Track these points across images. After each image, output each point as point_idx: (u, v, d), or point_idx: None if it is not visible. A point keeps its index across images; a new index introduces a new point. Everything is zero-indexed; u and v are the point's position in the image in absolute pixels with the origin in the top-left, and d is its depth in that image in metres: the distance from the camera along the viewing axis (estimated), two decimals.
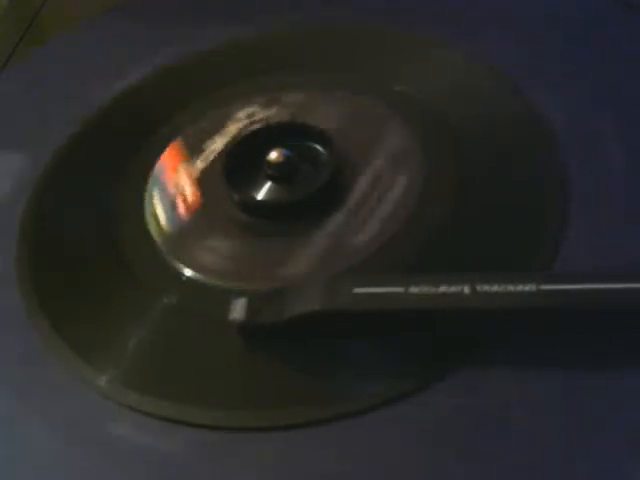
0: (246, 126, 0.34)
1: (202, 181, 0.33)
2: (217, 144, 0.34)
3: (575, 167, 0.30)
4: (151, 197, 0.33)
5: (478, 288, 0.24)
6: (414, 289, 0.25)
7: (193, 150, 0.34)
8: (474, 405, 0.25)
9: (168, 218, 0.32)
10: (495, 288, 0.24)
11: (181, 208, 0.32)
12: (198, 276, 0.29)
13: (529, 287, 0.24)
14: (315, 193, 0.30)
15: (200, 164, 0.33)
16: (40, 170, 0.35)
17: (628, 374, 0.24)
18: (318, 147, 0.32)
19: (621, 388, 0.24)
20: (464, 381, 0.25)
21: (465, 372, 0.25)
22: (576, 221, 0.28)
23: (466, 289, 0.25)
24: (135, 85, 0.38)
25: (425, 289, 0.25)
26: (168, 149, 0.34)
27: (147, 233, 0.31)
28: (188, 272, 0.30)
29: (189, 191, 0.32)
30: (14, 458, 0.26)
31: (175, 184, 0.33)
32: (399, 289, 0.25)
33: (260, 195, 0.31)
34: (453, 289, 0.25)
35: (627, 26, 0.35)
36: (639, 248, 0.27)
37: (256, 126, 0.34)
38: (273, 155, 0.31)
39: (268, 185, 0.31)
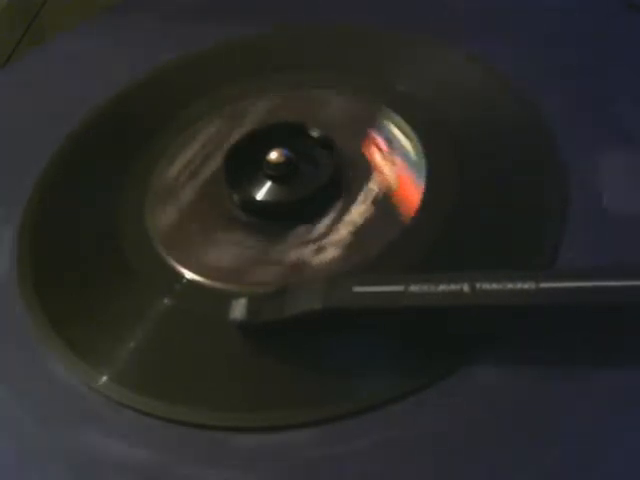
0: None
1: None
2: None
3: (575, 167, 0.30)
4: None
5: (477, 286, 0.24)
6: (414, 288, 0.25)
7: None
8: (474, 405, 0.25)
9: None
10: (494, 286, 0.24)
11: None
12: (198, 277, 0.29)
13: (528, 285, 0.24)
14: (315, 193, 0.30)
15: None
16: (40, 170, 0.35)
17: (629, 372, 0.24)
18: (318, 147, 0.32)
19: (622, 387, 0.24)
20: (464, 381, 0.25)
21: (465, 372, 0.25)
22: (576, 221, 0.28)
23: (465, 287, 0.25)
24: (135, 85, 0.38)
25: (425, 288, 0.25)
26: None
27: (147, 233, 0.31)
28: (188, 273, 0.30)
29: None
30: (12, 457, 0.26)
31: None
32: (399, 288, 0.25)
33: (260, 195, 0.31)
34: (453, 287, 0.25)
35: (627, 26, 0.35)
36: (638, 247, 0.27)
37: (256, 126, 0.34)
38: (273, 155, 0.31)
39: (268, 185, 0.31)
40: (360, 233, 0.29)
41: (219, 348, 0.28)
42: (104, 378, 0.27)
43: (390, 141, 0.32)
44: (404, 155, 0.32)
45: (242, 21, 0.40)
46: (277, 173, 0.31)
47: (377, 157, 0.32)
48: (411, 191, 0.30)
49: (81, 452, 0.26)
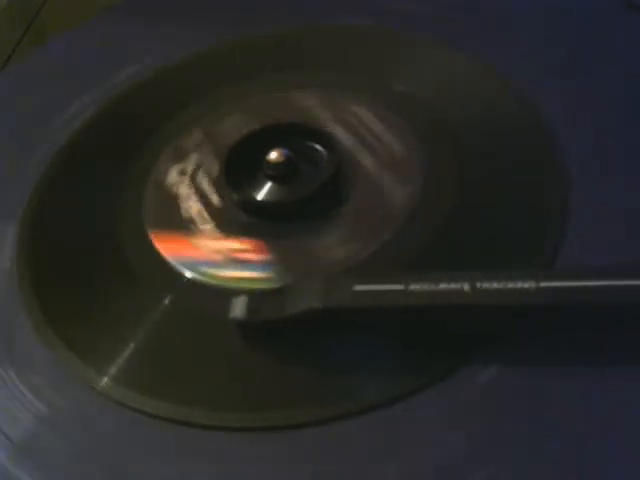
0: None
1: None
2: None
3: (575, 167, 0.30)
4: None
5: (478, 285, 0.24)
6: (414, 286, 0.25)
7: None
8: (474, 405, 0.25)
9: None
10: (495, 285, 0.24)
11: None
12: (197, 276, 0.29)
13: (528, 284, 0.24)
14: (315, 193, 0.30)
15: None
16: (40, 170, 0.35)
17: (629, 372, 0.24)
18: (318, 147, 0.32)
19: (622, 387, 0.24)
20: (464, 381, 0.25)
21: (465, 372, 0.25)
22: (576, 220, 0.28)
23: (466, 286, 0.25)
24: (135, 85, 0.38)
25: (425, 286, 0.25)
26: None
27: (147, 233, 0.31)
28: (187, 272, 0.30)
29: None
30: (11, 456, 0.26)
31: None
32: (399, 286, 0.25)
33: (260, 195, 0.31)
34: (453, 286, 0.25)
35: (627, 26, 0.35)
36: (638, 247, 0.27)
37: (256, 126, 0.34)
38: (273, 155, 0.31)
39: (268, 185, 0.31)
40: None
41: (219, 348, 0.28)
42: (104, 378, 0.27)
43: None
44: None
45: (242, 21, 0.40)
46: (277, 173, 0.31)
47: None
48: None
49: (81, 452, 0.26)
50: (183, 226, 0.31)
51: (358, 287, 0.26)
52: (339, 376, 0.26)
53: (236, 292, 0.28)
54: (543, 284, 0.24)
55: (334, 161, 0.31)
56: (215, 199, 0.32)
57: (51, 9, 0.46)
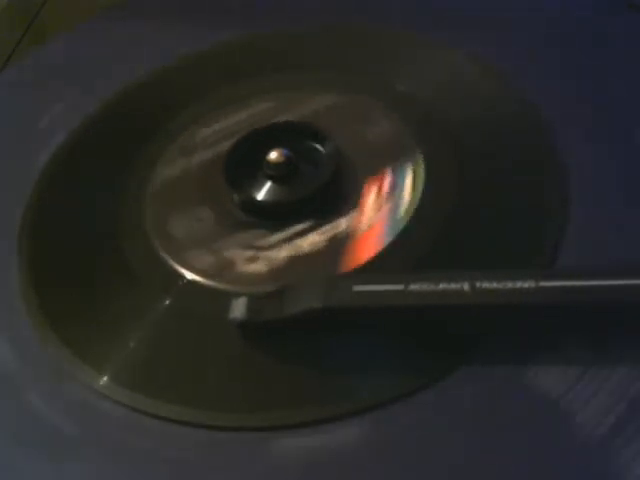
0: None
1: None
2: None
3: (575, 167, 0.30)
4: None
5: (478, 285, 0.25)
6: (414, 286, 0.25)
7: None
8: (474, 405, 0.25)
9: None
10: (494, 285, 0.24)
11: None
12: (198, 277, 0.29)
13: (528, 284, 0.24)
14: (315, 193, 0.30)
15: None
16: (40, 170, 0.35)
17: (629, 372, 0.24)
18: (318, 147, 0.32)
19: (622, 386, 0.24)
20: (464, 381, 0.25)
21: (465, 372, 0.25)
22: (576, 220, 0.28)
23: (466, 286, 0.25)
24: (135, 85, 0.38)
25: (425, 286, 0.25)
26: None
27: (147, 233, 0.31)
28: (188, 273, 0.30)
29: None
30: (9, 456, 0.26)
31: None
32: (399, 287, 0.25)
33: (260, 195, 0.31)
34: (453, 286, 0.25)
35: (627, 26, 0.35)
36: (638, 246, 0.27)
37: (256, 126, 0.34)
38: (273, 155, 0.31)
39: (268, 185, 0.31)
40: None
41: (219, 348, 0.28)
42: (104, 378, 0.27)
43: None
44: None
45: (242, 21, 0.40)
46: (277, 173, 0.31)
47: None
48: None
49: (80, 452, 0.26)
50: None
51: (358, 287, 0.26)
52: (339, 376, 0.26)
53: (236, 292, 0.28)
54: (543, 283, 0.24)
55: (334, 161, 0.31)
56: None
57: (51, 9, 0.46)
